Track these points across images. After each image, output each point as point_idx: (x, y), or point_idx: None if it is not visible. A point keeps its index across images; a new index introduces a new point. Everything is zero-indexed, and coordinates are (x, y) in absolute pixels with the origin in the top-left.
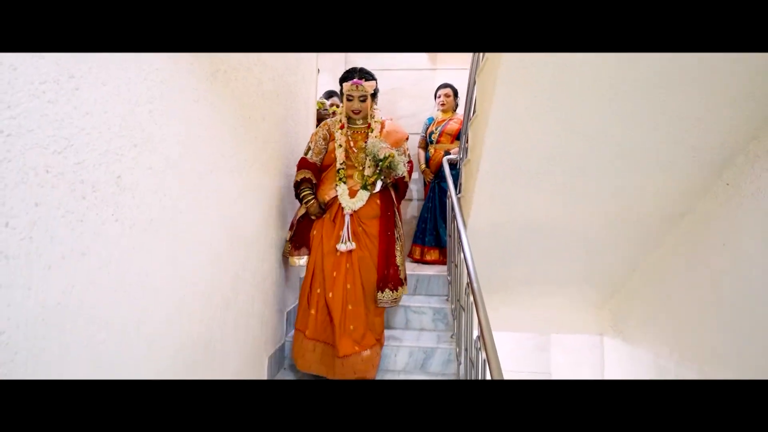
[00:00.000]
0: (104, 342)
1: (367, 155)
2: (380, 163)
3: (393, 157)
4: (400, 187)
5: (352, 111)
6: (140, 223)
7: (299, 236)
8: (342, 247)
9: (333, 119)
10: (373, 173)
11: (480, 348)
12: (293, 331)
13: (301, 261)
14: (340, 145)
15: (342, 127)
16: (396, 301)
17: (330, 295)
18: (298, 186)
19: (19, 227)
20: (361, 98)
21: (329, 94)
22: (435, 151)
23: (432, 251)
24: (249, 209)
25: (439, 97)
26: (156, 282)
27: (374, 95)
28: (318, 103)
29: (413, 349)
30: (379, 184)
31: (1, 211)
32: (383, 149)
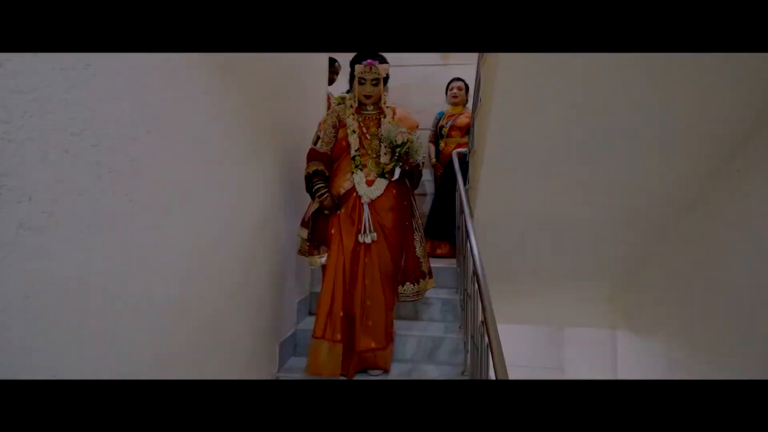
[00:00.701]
0: (118, 315)
1: (382, 141)
2: (398, 149)
3: (412, 141)
4: (415, 174)
5: (364, 95)
6: (153, 206)
7: (317, 234)
8: (364, 239)
9: (342, 105)
10: (391, 160)
11: (483, 333)
12: (314, 340)
13: (322, 260)
14: (354, 131)
15: (357, 112)
16: (419, 294)
17: (351, 291)
18: (310, 179)
19: (41, 201)
20: (374, 81)
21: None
22: (446, 145)
23: (443, 245)
24: (258, 199)
25: (452, 89)
26: (168, 263)
27: (386, 80)
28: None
29: (421, 338)
30: (397, 172)
31: (26, 185)
32: (401, 134)
